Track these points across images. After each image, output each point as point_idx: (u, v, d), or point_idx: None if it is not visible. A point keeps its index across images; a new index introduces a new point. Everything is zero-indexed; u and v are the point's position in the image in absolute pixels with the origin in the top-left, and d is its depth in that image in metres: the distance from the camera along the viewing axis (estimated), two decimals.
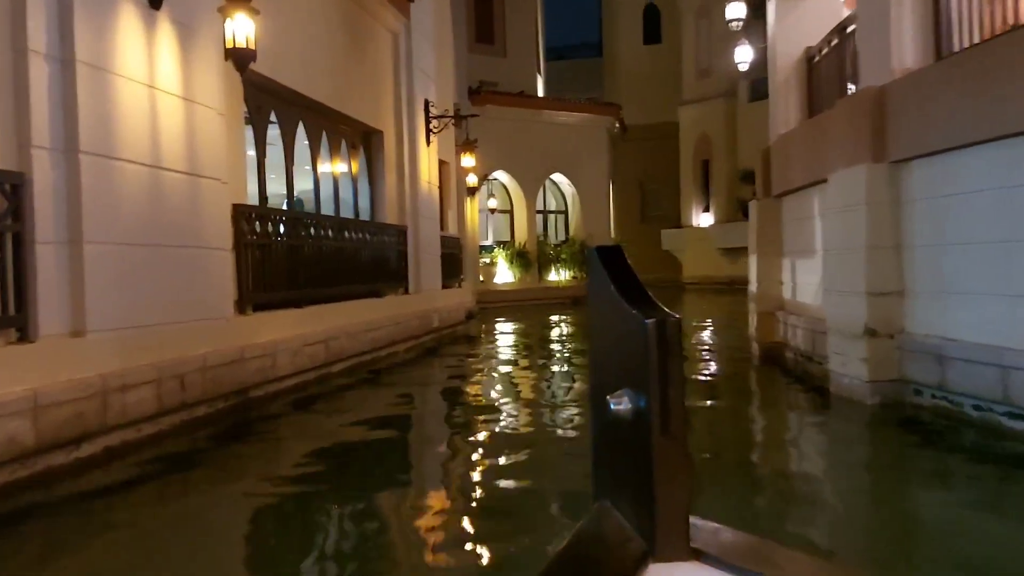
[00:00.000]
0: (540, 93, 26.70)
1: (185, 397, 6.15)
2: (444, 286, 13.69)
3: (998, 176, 5.37)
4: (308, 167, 9.87)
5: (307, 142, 9.72)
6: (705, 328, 15.47)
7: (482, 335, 14.61)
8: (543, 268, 23.22)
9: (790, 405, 7.65)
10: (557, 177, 24.30)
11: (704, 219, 33.32)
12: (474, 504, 4.63)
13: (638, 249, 26.24)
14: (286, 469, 5.42)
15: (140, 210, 5.83)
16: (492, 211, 22.20)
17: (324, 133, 10.10)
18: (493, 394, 8.56)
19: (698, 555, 0.93)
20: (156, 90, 6.02)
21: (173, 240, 6.23)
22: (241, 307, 7.38)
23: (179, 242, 6.32)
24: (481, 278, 22.24)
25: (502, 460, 5.52)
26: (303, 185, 10.22)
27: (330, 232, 9.37)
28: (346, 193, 10.85)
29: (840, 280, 6.99)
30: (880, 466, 5.46)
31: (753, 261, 9.89)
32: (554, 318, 19.00)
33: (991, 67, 5.31)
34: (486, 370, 10.38)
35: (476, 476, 5.26)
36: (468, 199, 21.55)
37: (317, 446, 5.97)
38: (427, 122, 12.59)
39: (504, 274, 22.60)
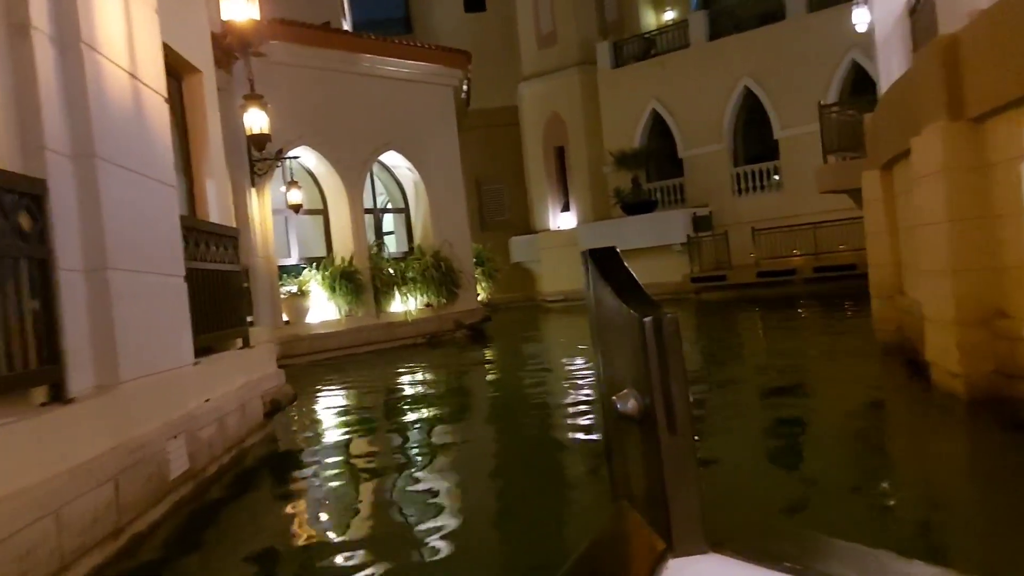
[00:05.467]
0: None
1: None
2: (202, 350, 5.49)
3: None
4: None
5: None
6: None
7: (305, 456, 6.45)
8: (382, 295, 15.21)
9: None
10: (391, 159, 16.41)
11: (564, 220, 26.70)
12: None
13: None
14: None
15: None
16: (296, 209, 13.91)
17: None
18: None
19: (717, 547, 0.93)
20: None
21: None
22: None
23: None
24: (285, 317, 13.91)
25: None
26: None
27: None
28: None
29: None
30: None
31: None
32: (415, 378, 11.17)
33: None
34: None
35: None
36: (253, 187, 13.17)
37: None
38: None
39: (322, 308, 14.36)
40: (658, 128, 24.16)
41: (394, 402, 9.16)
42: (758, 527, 0.99)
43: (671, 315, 0.93)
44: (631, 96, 24.17)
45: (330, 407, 8.96)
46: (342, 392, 10.22)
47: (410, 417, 7.93)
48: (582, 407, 7.35)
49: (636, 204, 23.21)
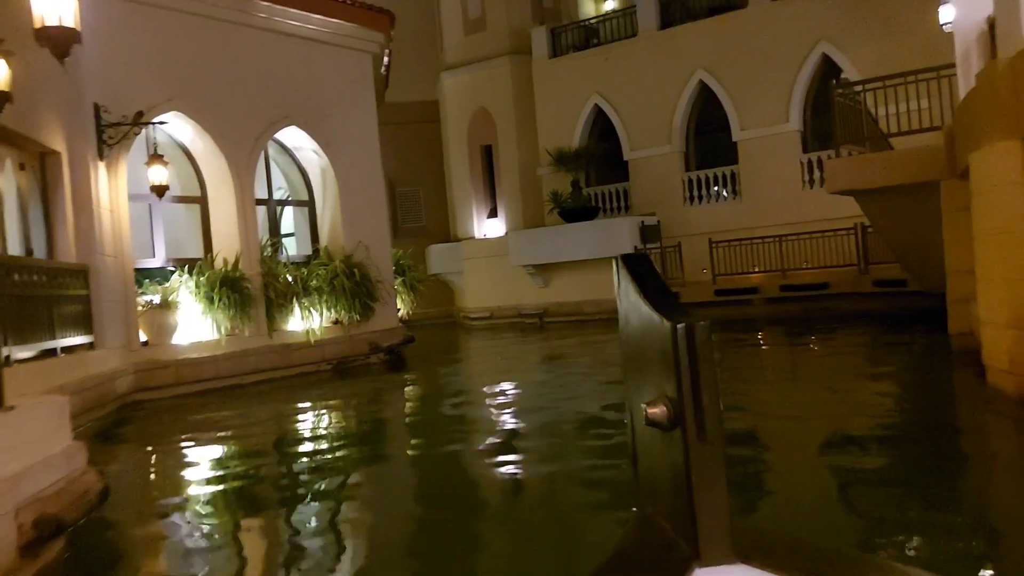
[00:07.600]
0: None
1: None
2: None
3: None
4: None
5: None
6: None
7: None
8: (276, 309, 11.82)
9: None
10: (292, 138, 13.06)
11: (491, 227, 23.75)
12: None
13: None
14: None
15: None
16: (160, 193, 10.41)
17: None
18: None
19: (743, 558, 0.90)
20: None
21: None
22: None
23: None
24: (143, 336, 10.40)
25: None
26: None
27: None
28: None
29: None
30: None
31: None
32: (318, 425, 8.05)
33: None
34: None
35: None
36: (102, 161, 9.66)
37: None
38: None
39: (195, 324, 10.89)
40: (600, 126, 21.57)
41: (286, 471, 5.95)
42: (786, 540, 0.94)
43: (704, 322, 0.91)
44: (570, 90, 21.49)
45: (179, 490, 5.65)
46: (209, 452, 6.91)
47: (309, 501, 4.78)
48: (544, 473, 4.53)
49: (576, 210, 20.49)
